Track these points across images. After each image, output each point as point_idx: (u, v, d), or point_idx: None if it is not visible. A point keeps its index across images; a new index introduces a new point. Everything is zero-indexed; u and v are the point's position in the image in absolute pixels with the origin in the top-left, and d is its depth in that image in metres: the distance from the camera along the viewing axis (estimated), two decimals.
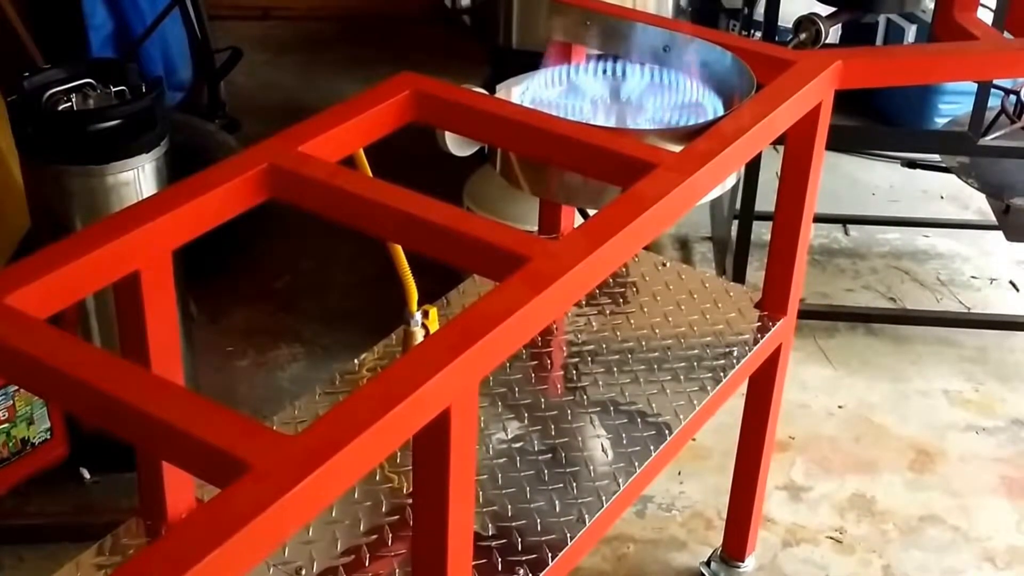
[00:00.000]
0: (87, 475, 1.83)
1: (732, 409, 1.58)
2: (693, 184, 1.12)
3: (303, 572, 1.11)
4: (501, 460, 1.28)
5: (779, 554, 1.80)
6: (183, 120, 2.26)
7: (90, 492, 1.81)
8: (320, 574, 1.11)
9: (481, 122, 1.22)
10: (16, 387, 1.71)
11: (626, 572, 1.75)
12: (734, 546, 1.72)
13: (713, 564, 1.74)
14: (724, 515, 1.71)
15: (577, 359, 1.46)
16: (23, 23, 2.14)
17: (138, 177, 1.70)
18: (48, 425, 1.78)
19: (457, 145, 1.33)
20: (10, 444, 1.74)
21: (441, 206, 1.04)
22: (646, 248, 1.58)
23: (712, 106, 1.34)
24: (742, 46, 1.38)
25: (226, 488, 0.75)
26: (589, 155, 1.16)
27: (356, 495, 1.20)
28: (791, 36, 1.92)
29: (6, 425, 1.73)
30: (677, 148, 1.17)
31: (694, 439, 1.98)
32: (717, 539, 1.76)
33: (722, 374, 1.42)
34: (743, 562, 1.73)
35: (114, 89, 1.72)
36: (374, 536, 1.15)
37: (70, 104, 1.69)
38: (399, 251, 1.25)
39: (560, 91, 1.39)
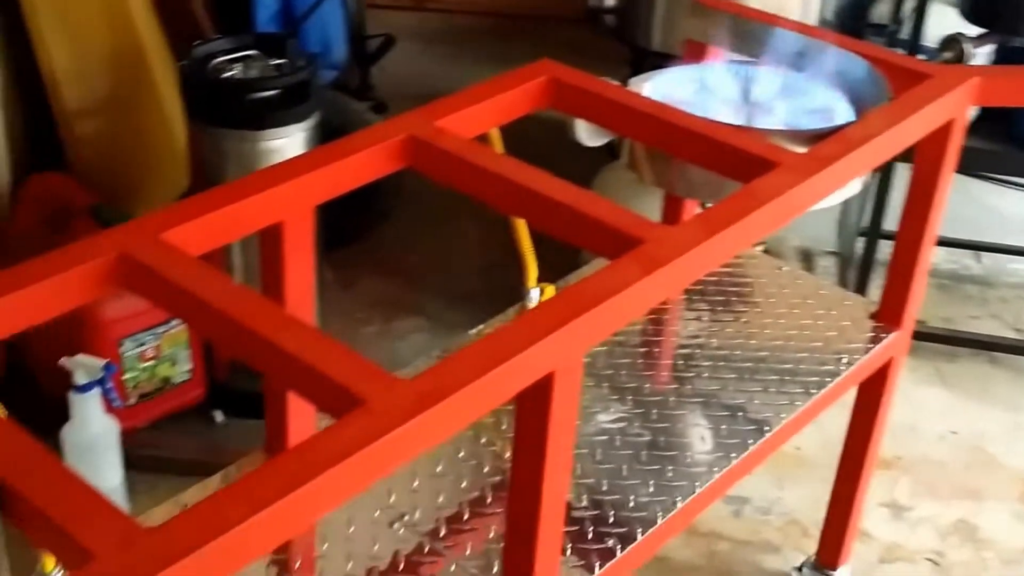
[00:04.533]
0: (219, 418, 1.94)
1: (843, 425, 1.58)
2: (812, 185, 1.13)
3: (405, 518, 1.16)
4: (602, 439, 1.31)
5: (875, 569, 1.78)
6: (334, 97, 2.36)
7: (220, 434, 1.92)
8: (421, 520, 1.16)
9: (612, 112, 1.26)
10: (164, 329, 1.83)
11: (716, 569, 1.76)
12: (828, 554, 1.71)
13: (805, 570, 1.73)
14: (822, 526, 1.70)
15: (685, 351, 1.47)
16: None
17: (288, 145, 1.79)
18: (189, 367, 1.90)
19: (588, 134, 1.37)
20: (153, 381, 1.86)
21: (565, 186, 1.08)
22: (767, 253, 1.59)
23: (843, 113, 1.34)
24: (879, 56, 1.38)
25: (341, 418, 0.81)
26: (713, 150, 1.19)
27: (462, 454, 1.25)
28: (936, 54, 1.89)
29: (152, 363, 1.85)
30: (802, 150, 1.18)
31: (798, 448, 1.97)
32: (811, 547, 1.75)
33: (828, 380, 1.42)
34: (835, 571, 1.71)
35: (274, 62, 1.83)
36: (475, 494, 1.20)
37: (234, 72, 1.79)
38: (522, 227, 1.29)
39: (692, 89, 1.41)
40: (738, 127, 1.28)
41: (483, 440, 1.28)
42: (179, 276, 0.93)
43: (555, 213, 1.07)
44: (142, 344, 1.83)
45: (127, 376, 1.82)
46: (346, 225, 2.36)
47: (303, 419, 1.17)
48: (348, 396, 0.82)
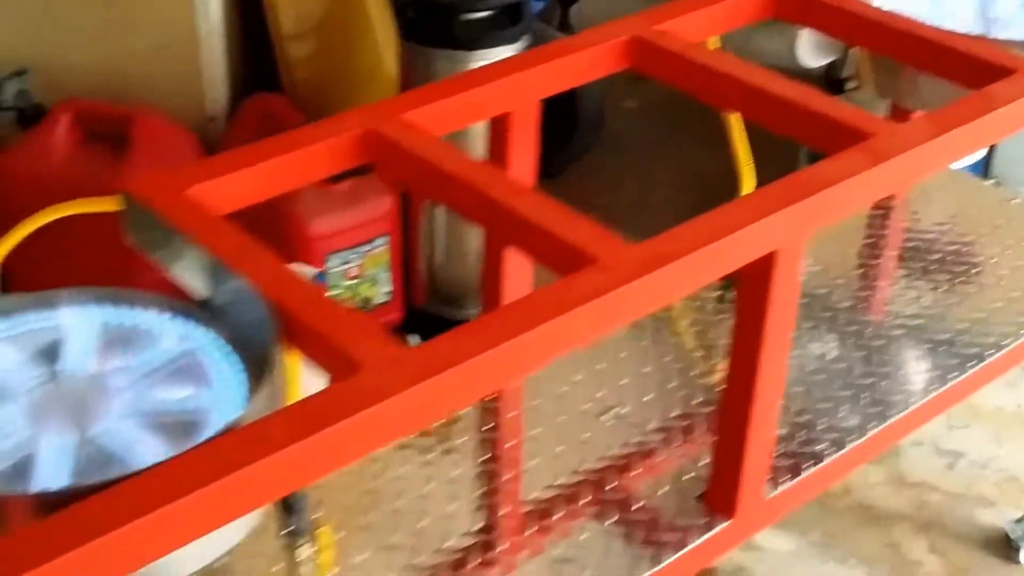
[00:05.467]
0: (414, 342, 2.12)
1: None
2: None
3: (611, 411, 1.28)
4: (812, 367, 1.38)
5: None
6: (539, 28, 2.50)
7: None
8: (629, 414, 1.28)
9: (841, 20, 1.34)
10: (368, 248, 2.02)
11: (925, 519, 1.81)
12: None
13: None
14: None
15: (904, 277, 1.52)
16: None
17: None
18: (389, 289, 2.08)
19: (810, 53, 1.45)
20: (355, 299, 2.05)
21: (790, 83, 1.18)
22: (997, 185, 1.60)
23: None
24: None
25: (568, 275, 0.93)
26: (947, 57, 1.25)
27: (673, 384, 1.34)
28: None
29: (354, 281, 2.04)
30: None
31: (1020, 406, 1.99)
32: None
33: None
34: None
35: None
36: (683, 392, 1.31)
37: None
38: (739, 133, 1.38)
39: (925, 5, 1.47)
40: (973, 37, 1.34)
41: (690, 346, 1.39)
42: (420, 150, 1.08)
43: (780, 109, 1.16)
44: (347, 262, 2.02)
45: (331, 292, 2.02)
46: (543, 160, 2.50)
47: (520, 286, 1.30)
48: (581, 255, 0.95)
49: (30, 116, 2.02)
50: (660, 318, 1.42)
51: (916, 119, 1.13)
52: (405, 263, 2.09)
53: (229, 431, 0.80)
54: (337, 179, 1.94)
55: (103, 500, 0.72)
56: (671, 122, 2.77)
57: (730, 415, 1.13)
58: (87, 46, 2.04)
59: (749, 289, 1.06)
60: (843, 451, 1.25)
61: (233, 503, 0.76)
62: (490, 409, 1.29)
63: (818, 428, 1.27)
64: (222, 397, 0.86)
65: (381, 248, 2.04)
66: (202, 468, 0.75)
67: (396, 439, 0.83)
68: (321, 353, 0.87)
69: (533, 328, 0.86)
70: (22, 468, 0.80)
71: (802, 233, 1.04)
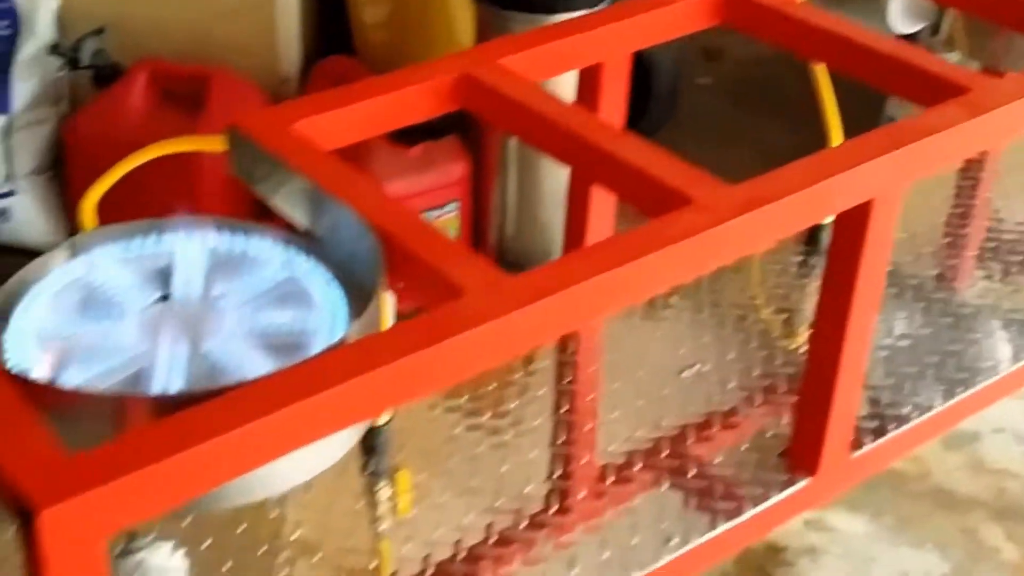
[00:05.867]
0: None
1: None
2: None
3: (692, 368, 1.33)
4: (899, 332, 1.41)
5: None
6: None
7: None
8: (709, 372, 1.32)
9: None
10: (439, 214, 2.07)
11: (1004, 506, 1.83)
12: None
13: None
14: None
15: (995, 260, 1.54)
16: None
17: None
18: None
19: (902, 18, 1.48)
20: None
21: (881, 37, 1.21)
22: None
23: None
24: None
25: (663, 215, 0.97)
26: None
27: (754, 345, 1.38)
28: None
29: None
30: None
31: None
32: None
33: None
34: None
35: None
36: (764, 352, 1.35)
37: None
38: (825, 79, 1.40)
39: None
40: None
41: (772, 309, 1.43)
42: (516, 94, 1.12)
43: (867, 59, 1.20)
44: None
45: None
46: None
47: (604, 230, 1.35)
48: (677, 195, 0.99)
49: (107, 75, 2.10)
50: (742, 280, 1.46)
51: (1012, 76, 1.16)
52: (475, 232, 2.14)
53: (334, 348, 0.85)
54: (411, 143, 2.00)
55: (216, 405, 0.77)
56: (746, 101, 2.80)
57: (816, 370, 1.16)
58: (164, 5, 2.12)
59: (842, 240, 1.09)
60: (928, 415, 1.28)
61: (338, 415, 0.81)
62: (569, 363, 1.33)
63: (904, 392, 1.30)
64: (325, 321, 0.92)
65: (451, 214, 2.10)
66: (311, 379, 0.80)
67: (498, 362, 0.88)
68: (424, 279, 0.92)
69: (635, 260, 0.91)
70: (138, 379, 0.86)
71: (900, 183, 1.07)
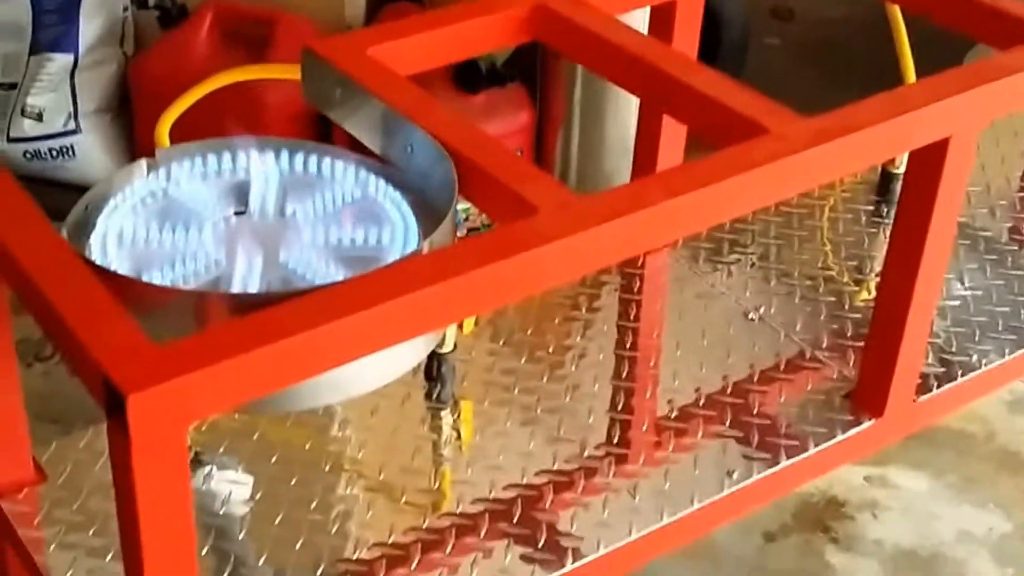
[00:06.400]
0: None
1: None
2: None
3: (759, 309, 1.34)
4: (969, 283, 1.41)
5: None
6: None
7: None
8: (773, 315, 1.33)
9: None
10: None
11: None
12: None
13: None
14: None
15: None
16: None
17: None
18: None
19: None
20: (481, 218, 2.12)
21: None
22: None
23: None
24: None
25: (740, 143, 0.99)
26: None
27: (822, 291, 1.39)
28: None
29: None
30: None
31: None
32: None
33: None
34: None
35: None
36: (834, 325, 1.34)
37: None
38: (898, 23, 1.40)
39: None
40: None
41: (842, 256, 1.44)
42: (591, 25, 1.14)
43: (948, 2, 1.20)
44: None
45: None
46: None
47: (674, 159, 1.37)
48: (754, 125, 1.00)
49: (173, 16, 2.14)
50: (811, 227, 1.47)
51: None
52: None
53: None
54: (475, 90, 2.02)
55: (294, 305, 0.80)
56: (814, 63, 2.78)
57: (885, 311, 1.17)
58: None
59: (917, 181, 1.10)
60: (995, 364, 1.29)
61: (411, 322, 0.84)
62: (633, 301, 1.35)
63: (973, 341, 1.31)
64: (399, 237, 0.94)
65: None
66: (386, 286, 0.82)
67: (570, 279, 0.90)
68: (498, 199, 0.94)
69: (711, 184, 0.92)
70: (216, 285, 0.89)
71: (977, 122, 1.07)
